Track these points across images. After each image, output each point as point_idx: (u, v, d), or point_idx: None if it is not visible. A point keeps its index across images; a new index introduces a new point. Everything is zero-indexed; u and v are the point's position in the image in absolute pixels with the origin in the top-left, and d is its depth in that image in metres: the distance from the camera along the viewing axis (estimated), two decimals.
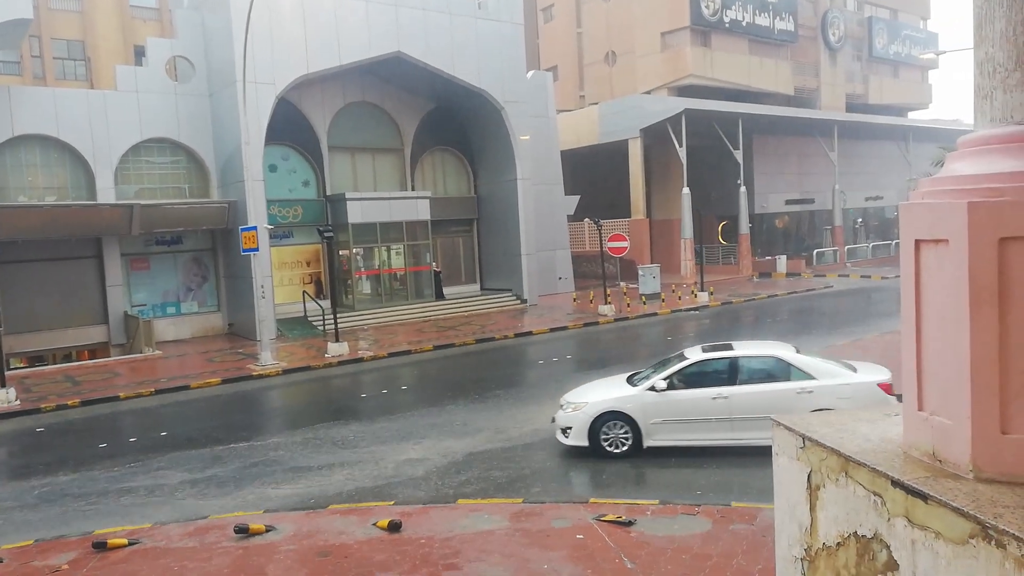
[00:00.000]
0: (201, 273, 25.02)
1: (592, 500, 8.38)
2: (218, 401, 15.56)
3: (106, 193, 22.32)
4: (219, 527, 8.10)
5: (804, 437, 3.11)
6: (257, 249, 18.83)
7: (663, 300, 26.45)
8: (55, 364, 21.08)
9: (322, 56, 23.30)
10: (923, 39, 50.42)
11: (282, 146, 25.37)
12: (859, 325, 19.93)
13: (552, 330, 22.22)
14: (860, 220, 43.14)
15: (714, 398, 9.67)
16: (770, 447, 3.41)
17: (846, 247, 39.45)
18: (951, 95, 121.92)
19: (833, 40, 44.38)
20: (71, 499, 9.74)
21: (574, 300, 28.18)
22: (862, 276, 32.54)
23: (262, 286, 19.57)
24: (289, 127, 25.07)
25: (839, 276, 33.17)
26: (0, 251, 20.29)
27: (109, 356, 21.78)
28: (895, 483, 2.52)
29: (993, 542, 2.14)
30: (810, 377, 9.61)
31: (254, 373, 17.72)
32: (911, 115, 51.25)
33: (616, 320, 23.37)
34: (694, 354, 10.31)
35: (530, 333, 21.96)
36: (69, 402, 15.45)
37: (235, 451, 11.49)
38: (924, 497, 2.39)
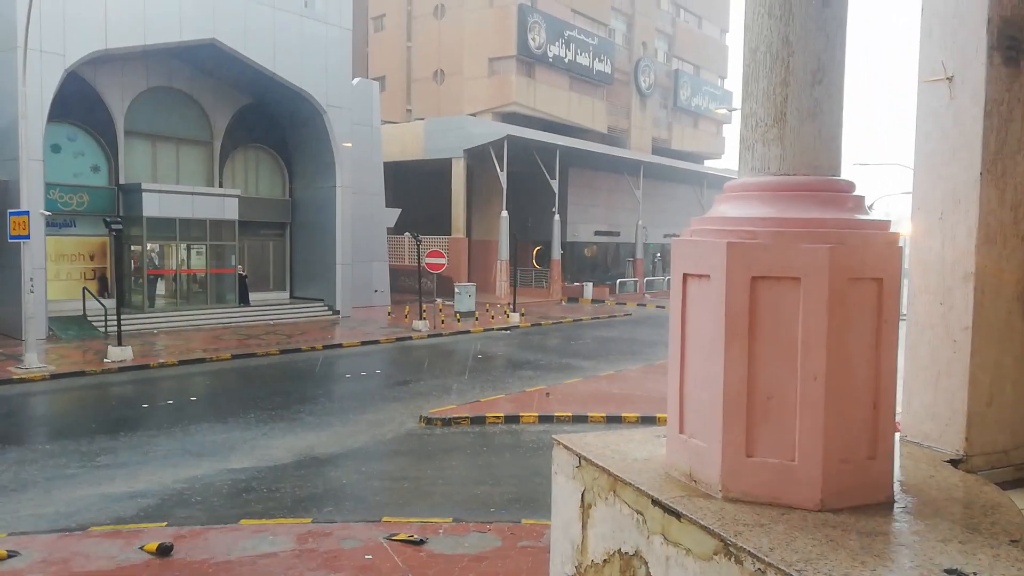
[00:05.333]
0: None
1: (385, 519, 8.20)
2: None
3: None
4: None
5: (580, 456, 3.20)
6: (28, 237, 16.64)
7: (477, 318, 26.84)
8: None
9: (124, 32, 21.26)
10: (720, 95, 56.07)
11: (69, 125, 22.74)
12: (651, 351, 21.43)
13: (364, 343, 21.72)
14: (659, 255, 46.74)
15: None
16: None
17: (645, 278, 42.55)
18: None
19: (644, 87, 48.02)
20: None
21: (389, 314, 27.80)
22: (658, 306, 35.13)
23: (31, 279, 17.29)
24: (79, 105, 22.54)
25: (638, 305, 35.59)
26: None
27: None
28: (655, 502, 2.65)
29: (733, 558, 2.30)
30: None
31: (14, 376, 15.59)
32: (707, 163, 56.60)
33: (429, 336, 23.34)
34: None
35: (340, 345, 21.30)
36: None
37: None
38: (678, 515, 2.52)
